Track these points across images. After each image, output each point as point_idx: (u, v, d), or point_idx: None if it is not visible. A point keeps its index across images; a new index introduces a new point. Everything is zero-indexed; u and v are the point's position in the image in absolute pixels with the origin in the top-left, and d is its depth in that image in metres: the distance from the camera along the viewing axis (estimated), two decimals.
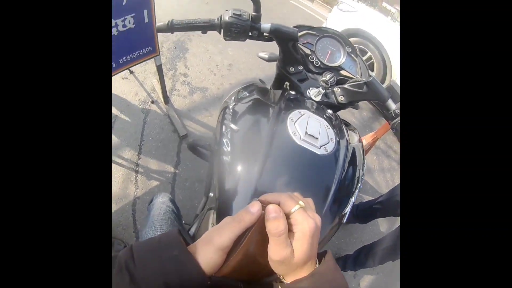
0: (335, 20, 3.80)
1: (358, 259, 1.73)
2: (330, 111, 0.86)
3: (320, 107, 0.85)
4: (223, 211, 0.66)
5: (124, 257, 0.43)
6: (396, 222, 2.18)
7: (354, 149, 0.83)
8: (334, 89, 0.89)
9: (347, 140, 0.80)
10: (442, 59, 0.46)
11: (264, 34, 0.82)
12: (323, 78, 0.90)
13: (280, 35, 0.82)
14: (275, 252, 0.43)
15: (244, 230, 0.43)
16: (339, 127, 0.83)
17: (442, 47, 0.46)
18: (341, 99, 0.88)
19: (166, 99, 2.45)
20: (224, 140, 0.73)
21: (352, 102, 0.89)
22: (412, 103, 0.47)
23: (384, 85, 3.35)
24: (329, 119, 0.80)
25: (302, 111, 0.76)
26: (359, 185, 0.78)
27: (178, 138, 2.32)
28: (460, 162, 0.44)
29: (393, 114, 0.78)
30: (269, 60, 1.03)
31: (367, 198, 2.24)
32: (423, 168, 0.46)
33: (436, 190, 0.45)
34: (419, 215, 0.46)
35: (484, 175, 0.43)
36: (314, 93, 0.88)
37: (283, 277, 0.47)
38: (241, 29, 0.77)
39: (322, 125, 0.74)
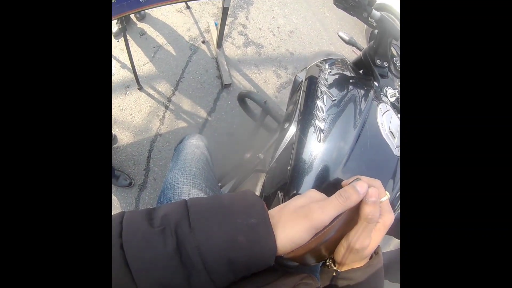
0: None
1: None
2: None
3: (395, 108, 0.85)
4: (297, 181, 0.66)
5: (174, 215, 0.36)
6: (392, 241, 2.02)
7: None
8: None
9: None
10: (443, 57, 0.45)
11: (370, 19, 0.82)
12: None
13: (384, 27, 0.83)
14: (360, 240, 0.42)
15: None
16: None
17: (443, 45, 0.45)
18: None
19: (220, 43, 2.31)
20: (319, 104, 0.73)
21: None
22: (412, 102, 0.47)
23: None
24: None
25: (387, 106, 0.78)
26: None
27: (221, 85, 2.20)
28: (460, 161, 0.44)
29: None
30: (348, 42, 1.02)
31: None
32: (423, 167, 0.46)
33: (436, 190, 0.45)
34: (419, 215, 0.46)
35: (484, 174, 0.43)
36: (391, 94, 0.86)
37: (334, 264, 0.47)
38: (358, 3, 0.78)
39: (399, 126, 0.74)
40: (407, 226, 0.46)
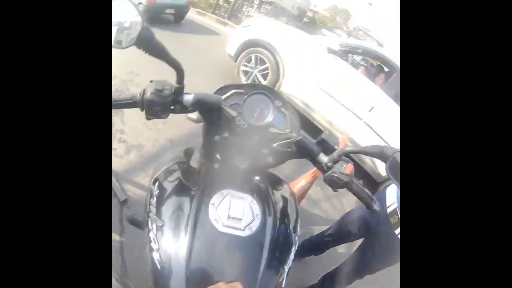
0: (237, 35, 4.23)
1: (325, 286, 1.73)
2: (257, 177, 0.87)
3: (246, 176, 0.85)
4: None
5: None
6: (353, 245, 2.10)
7: (284, 208, 0.86)
8: (263, 151, 0.86)
9: (273, 208, 0.82)
10: (440, 58, 0.48)
11: (186, 105, 0.78)
12: (250, 141, 0.85)
13: (203, 106, 0.78)
14: None
15: None
16: (266, 193, 0.84)
17: (441, 46, 0.48)
18: (269, 160, 0.87)
19: None
20: (152, 237, 0.73)
21: (280, 162, 0.89)
22: (411, 103, 0.49)
23: (276, 87, 3.53)
24: (255, 190, 0.82)
25: (225, 191, 0.77)
26: (294, 248, 0.80)
27: (118, 204, 2.06)
28: (460, 161, 0.45)
29: (325, 168, 0.78)
30: (198, 121, 0.97)
31: (317, 229, 2.17)
32: (422, 167, 0.47)
33: (435, 190, 0.46)
34: (418, 215, 0.47)
35: (483, 174, 0.44)
36: (241, 161, 0.84)
37: None
38: (162, 106, 0.72)
39: (246, 203, 0.75)
40: (407, 226, 0.47)
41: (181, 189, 0.80)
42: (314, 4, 27.52)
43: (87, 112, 0.46)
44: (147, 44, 0.60)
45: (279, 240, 0.76)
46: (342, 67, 3.48)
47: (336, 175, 0.74)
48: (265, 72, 3.81)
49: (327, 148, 0.80)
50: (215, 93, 0.85)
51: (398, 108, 3.14)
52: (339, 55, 3.62)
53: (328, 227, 1.89)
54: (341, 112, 3.42)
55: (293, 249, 0.79)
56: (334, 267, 1.73)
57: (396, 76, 3.38)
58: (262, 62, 3.78)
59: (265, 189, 0.85)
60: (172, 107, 0.74)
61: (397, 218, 1.23)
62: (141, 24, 0.59)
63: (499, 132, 0.43)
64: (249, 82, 3.87)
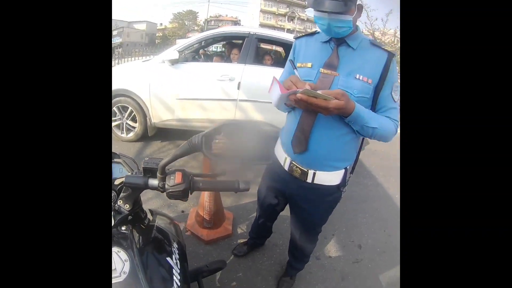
0: None
1: (297, 255, 1.73)
2: (123, 227, 0.87)
3: (115, 232, 0.86)
4: None
5: None
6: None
7: (154, 238, 0.92)
8: (119, 203, 0.88)
9: (138, 245, 0.84)
10: (440, 58, 0.49)
11: None
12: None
13: None
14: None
15: None
16: (129, 238, 0.85)
17: (441, 45, 0.49)
18: (127, 207, 0.88)
19: None
20: None
21: (136, 202, 0.91)
22: (411, 103, 0.50)
23: (148, 123, 3.53)
24: (115, 241, 0.83)
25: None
26: (174, 269, 0.84)
27: None
28: (460, 161, 0.46)
29: (161, 190, 0.81)
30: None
31: (250, 215, 2.29)
32: (422, 167, 0.48)
33: (435, 189, 0.47)
34: (419, 214, 0.48)
35: (483, 174, 0.45)
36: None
37: None
38: None
39: (114, 255, 0.76)
40: (407, 226, 0.48)
41: None
42: (160, 23, 27.38)
43: (87, 112, 0.49)
44: None
45: (153, 269, 0.81)
46: (192, 68, 3.50)
47: (170, 190, 0.78)
48: (134, 121, 3.68)
49: (153, 171, 0.82)
50: None
51: (259, 67, 3.47)
52: (187, 60, 3.65)
53: None
54: (214, 105, 3.49)
55: (175, 270, 0.83)
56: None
57: (248, 40, 3.48)
58: (125, 108, 3.62)
59: (129, 235, 0.85)
60: None
61: (298, 170, 1.23)
62: None
63: (499, 131, 0.44)
64: (118, 131, 3.68)
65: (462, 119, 0.46)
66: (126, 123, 3.67)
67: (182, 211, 2.35)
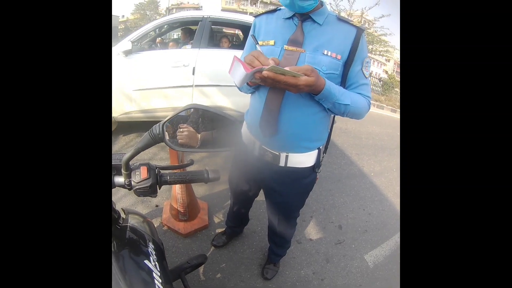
0: None
1: (277, 242, 1.72)
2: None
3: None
4: None
5: None
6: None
7: (128, 240, 0.86)
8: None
9: (115, 255, 0.79)
10: (440, 57, 0.49)
11: None
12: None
13: None
14: None
15: None
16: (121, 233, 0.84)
17: (441, 44, 0.49)
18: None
19: None
20: None
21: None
22: (411, 99, 0.51)
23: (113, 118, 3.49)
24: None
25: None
26: (154, 272, 0.80)
27: None
28: (460, 161, 0.47)
29: (127, 187, 0.76)
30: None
31: (225, 203, 2.27)
32: (421, 161, 0.49)
33: (435, 182, 0.48)
34: (419, 207, 0.49)
35: (484, 172, 0.46)
36: None
37: None
38: None
39: None
40: (408, 226, 0.49)
41: None
42: (122, 15, 26.21)
43: (87, 113, 0.49)
44: None
45: (135, 275, 0.75)
46: (145, 58, 3.43)
47: (137, 187, 0.72)
48: None
49: (118, 167, 0.75)
50: None
51: (214, 50, 3.43)
52: (143, 49, 3.62)
53: None
54: (172, 93, 3.45)
55: (155, 273, 0.78)
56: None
57: (201, 24, 3.46)
58: None
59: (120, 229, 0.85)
60: None
61: (270, 154, 1.18)
62: None
63: (500, 129, 0.45)
64: None
65: (462, 116, 0.47)
66: None
67: (156, 206, 2.27)
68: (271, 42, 1.07)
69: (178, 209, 1.95)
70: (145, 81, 3.32)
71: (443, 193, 0.47)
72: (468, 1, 0.48)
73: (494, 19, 0.46)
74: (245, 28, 4.26)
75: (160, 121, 0.68)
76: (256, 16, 1.18)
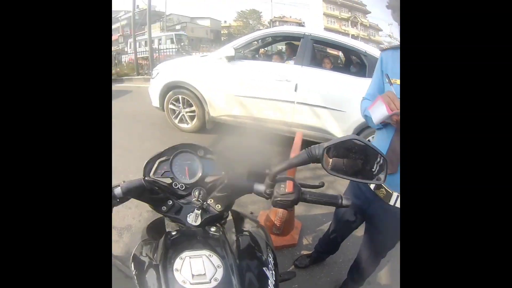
0: (153, 88, 4.21)
1: (356, 278, 1.72)
2: (213, 229, 0.86)
3: (201, 232, 0.86)
4: None
5: None
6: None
7: (249, 246, 0.86)
8: (208, 202, 0.88)
9: (234, 251, 0.81)
10: (440, 57, 0.49)
11: (119, 197, 0.81)
12: (194, 198, 0.88)
13: (133, 193, 0.82)
14: None
15: None
16: (223, 241, 0.83)
17: (441, 44, 0.49)
18: (218, 207, 0.87)
19: None
20: None
21: (229, 205, 0.91)
22: (411, 100, 0.51)
23: (206, 118, 3.76)
24: (210, 243, 0.82)
25: (183, 254, 0.76)
26: (271, 279, 0.79)
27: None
28: (460, 161, 0.47)
29: (266, 195, 0.79)
30: None
31: (325, 227, 2.15)
32: (422, 158, 0.48)
33: (435, 182, 0.47)
34: (418, 208, 0.48)
35: (485, 172, 0.45)
36: (193, 219, 0.86)
37: None
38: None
39: (204, 259, 0.75)
40: (407, 223, 0.49)
41: (149, 265, 0.80)
42: (224, 20, 28.08)
43: (87, 115, 0.50)
44: None
45: (249, 279, 0.77)
46: (248, 66, 3.62)
47: (278, 198, 0.75)
48: (192, 112, 3.99)
49: (259, 175, 0.80)
50: (143, 173, 0.91)
51: (317, 69, 3.45)
52: (246, 57, 3.86)
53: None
54: (270, 105, 3.56)
55: (270, 281, 0.78)
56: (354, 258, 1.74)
57: (303, 41, 3.51)
58: (188, 102, 3.95)
59: (221, 237, 0.84)
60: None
61: (384, 191, 1.21)
62: None
63: (502, 130, 0.44)
64: (177, 120, 4.10)
65: (463, 116, 0.47)
66: (184, 114, 4.02)
67: (251, 213, 2.40)
68: (398, 82, 1.09)
69: (275, 222, 2.02)
70: (247, 89, 3.54)
71: (443, 193, 0.47)
72: (468, 1, 0.47)
73: (494, 19, 0.45)
74: (346, 51, 4.21)
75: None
76: (383, 50, 1.23)
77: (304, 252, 2.07)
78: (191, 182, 0.93)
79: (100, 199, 0.51)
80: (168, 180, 0.92)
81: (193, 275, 0.70)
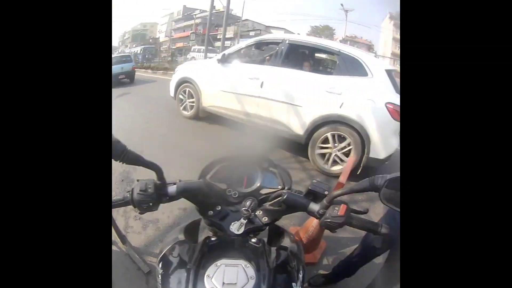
0: (172, 80, 5.67)
1: None
2: (254, 240, 0.86)
3: (241, 241, 0.86)
4: None
5: None
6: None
7: (283, 261, 0.84)
8: (257, 213, 0.89)
9: (270, 265, 0.79)
10: (441, 57, 0.49)
11: (172, 196, 0.84)
12: (244, 208, 0.87)
13: (188, 194, 0.85)
14: None
15: None
16: (261, 253, 0.82)
17: (441, 44, 0.49)
18: (265, 220, 0.89)
19: (123, 239, 2.26)
20: None
21: (276, 219, 0.91)
22: (411, 102, 0.51)
23: (200, 104, 5.12)
24: (249, 253, 0.82)
25: (219, 262, 0.76)
26: None
27: (144, 275, 2.12)
28: (461, 162, 0.46)
29: (317, 215, 0.80)
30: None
31: (348, 250, 2.09)
32: (422, 158, 0.48)
33: (435, 182, 0.48)
34: (418, 208, 0.48)
35: (486, 174, 0.45)
36: (236, 227, 0.86)
37: None
38: (150, 203, 0.79)
39: (239, 269, 0.75)
40: (408, 222, 0.49)
41: (180, 267, 0.80)
42: (298, 33, 28.26)
43: (88, 118, 0.51)
44: (121, 156, 0.69)
45: None
46: (232, 67, 4.57)
47: (329, 220, 0.76)
48: (192, 103, 5.27)
49: (317, 196, 0.82)
50: (201, 174, 0.93)
51: (285, 70, 4.02)
52: (231, 60, 4.65)
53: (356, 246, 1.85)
54: (246, 99, 4.31)
55: None
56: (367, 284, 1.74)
57: (280, 45, 4.19)
58: (191, 94, 5.23)
59: (260, 249, 0.83)
60: (160, 200, 0.81)
61: None
62: (112, 139, 0.65)
63: (502, 130, 0.44)
64: (181, 108, 5.48)
65: (463, 116, 0.47)
66: (187, 103, 5.32)
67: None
68: None
69: (302, 239, 2.01)
70: (229, 85, 4.50)
71: (443, 193, 0.47)
72: (468, 1, 0.47)
73: (494, 19, 0.46)
74: (320, 51, 4.79)
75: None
76: None
77: (321, 272, 2.05)
78: (246, 191, 0.93)
79: (100, 199, 0.52)
80: (223, 186, 0.93)
81: (223, 283, 0.70)
